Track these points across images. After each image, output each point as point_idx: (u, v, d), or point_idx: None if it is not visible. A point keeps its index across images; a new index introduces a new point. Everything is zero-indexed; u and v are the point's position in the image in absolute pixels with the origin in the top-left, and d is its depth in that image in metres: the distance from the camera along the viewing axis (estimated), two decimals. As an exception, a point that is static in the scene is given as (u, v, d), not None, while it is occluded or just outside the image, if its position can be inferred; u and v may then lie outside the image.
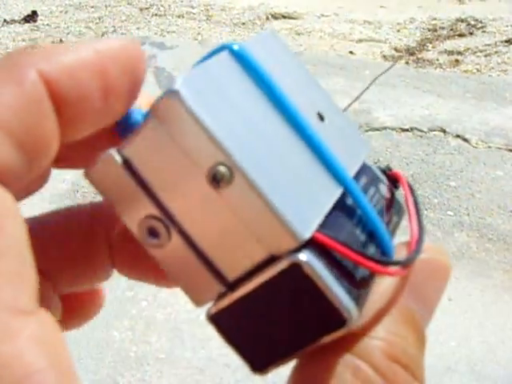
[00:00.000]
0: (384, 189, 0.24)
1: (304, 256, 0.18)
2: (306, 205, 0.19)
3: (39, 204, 1.81)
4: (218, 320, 0.20)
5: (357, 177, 0.22)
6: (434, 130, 2.09)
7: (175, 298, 1.44)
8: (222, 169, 0.18)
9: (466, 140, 2.03)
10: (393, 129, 2.10)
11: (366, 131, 2.09)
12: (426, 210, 1.75)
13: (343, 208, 0.21)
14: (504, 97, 2.29)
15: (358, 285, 0.19)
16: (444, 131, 2.08)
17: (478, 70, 2.77)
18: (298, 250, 0.18)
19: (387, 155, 1.97)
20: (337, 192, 0.21)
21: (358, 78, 2.45)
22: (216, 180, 0.18)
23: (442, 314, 1.42)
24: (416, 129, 2.09)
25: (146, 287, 1.42)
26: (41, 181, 0.21)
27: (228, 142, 0.18)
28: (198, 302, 0.20)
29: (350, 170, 0.22)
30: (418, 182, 1.86)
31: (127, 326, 1.39)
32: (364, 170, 0.23)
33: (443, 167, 1.91)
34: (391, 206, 0.24)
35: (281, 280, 0.19)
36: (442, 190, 1.82)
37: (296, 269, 0.18)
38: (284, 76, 0.22)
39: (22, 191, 0.18)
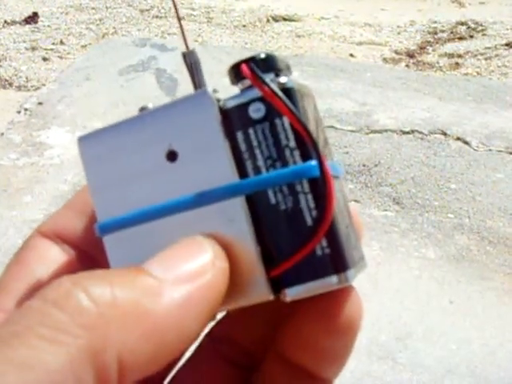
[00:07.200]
0: (259, 108, 0.22)
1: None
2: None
3: (39, 205, 1.81)
4: None
5: (231, 137, 0.22)
6: (435, 133, 2.09)
7: None
8: None
9: (466, 143, 2.04)
10: (393, 131, 2.10)
11: (367, 134, 2.09)
12: (427, 212, 1.75)
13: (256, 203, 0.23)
14: (504, 100, 2.29)
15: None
16: (445, 134, 2.08)
17: (478, 73, 2.77)
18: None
19: (388, 158, 1.97)
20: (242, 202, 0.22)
21: (359, 80, 2.45)
22: None
23: (442, 317, 1.41)
24: (416, 131, 2.09)
25: None
26: None
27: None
28: None
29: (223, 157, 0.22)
30: (419, 184, 1.86)
31: None
32: (230, 120, 0.22)
33: (444, 170, 1.91)
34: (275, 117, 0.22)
35: None
36: (443, 193, 1.82)
37: None
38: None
39: None
